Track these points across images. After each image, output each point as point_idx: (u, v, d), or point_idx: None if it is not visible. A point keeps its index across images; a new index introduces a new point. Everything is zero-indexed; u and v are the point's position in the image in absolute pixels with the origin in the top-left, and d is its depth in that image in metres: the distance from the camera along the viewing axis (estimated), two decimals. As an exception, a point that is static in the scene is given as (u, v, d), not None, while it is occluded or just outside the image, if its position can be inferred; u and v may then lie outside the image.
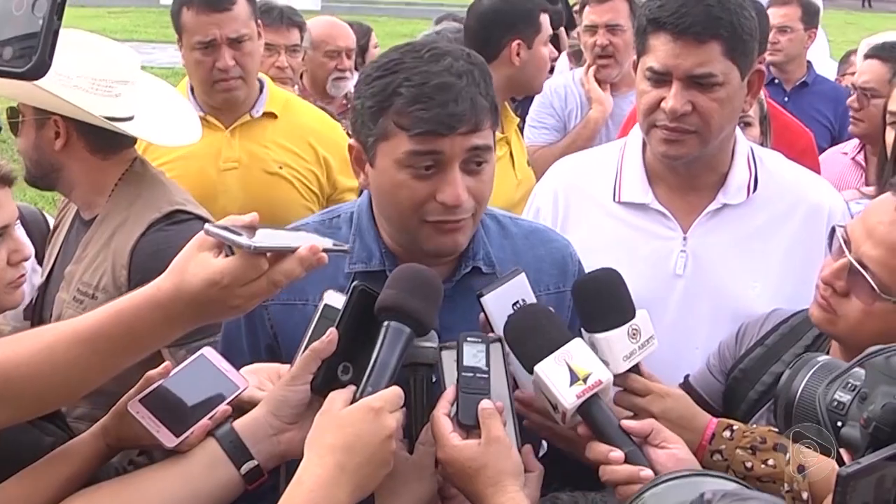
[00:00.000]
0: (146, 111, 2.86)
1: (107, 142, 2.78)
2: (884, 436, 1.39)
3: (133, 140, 2.86)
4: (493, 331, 1.90)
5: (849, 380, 1.49)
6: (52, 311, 2.83)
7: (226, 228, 1.57)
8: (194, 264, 1.55)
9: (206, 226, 1.59)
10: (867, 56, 4.58)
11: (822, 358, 1.58)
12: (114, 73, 2.73)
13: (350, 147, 2.04)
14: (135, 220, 2.75)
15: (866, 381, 1.45)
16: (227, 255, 1.57)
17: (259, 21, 3.71)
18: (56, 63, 2.57)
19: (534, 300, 1.93)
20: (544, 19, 3.85)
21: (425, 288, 1.78)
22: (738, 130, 2.58)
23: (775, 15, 5.80)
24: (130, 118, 2.78)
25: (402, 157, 1.89)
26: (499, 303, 1.91)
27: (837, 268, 2.02)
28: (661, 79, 2.37)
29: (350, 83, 5.32)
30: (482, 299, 1.92)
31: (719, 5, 2.32)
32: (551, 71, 5.16)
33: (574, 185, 2.67)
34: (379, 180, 1.97)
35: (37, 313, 2.95)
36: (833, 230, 2.07)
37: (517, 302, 1.92)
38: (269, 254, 1.56)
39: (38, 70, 1.20)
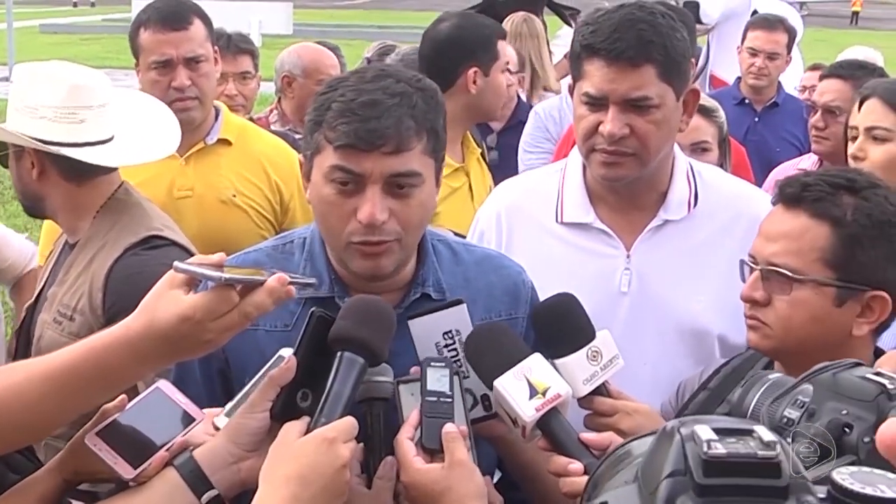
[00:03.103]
0: (125, 130, 2.90)
1: (78, 169, 2.82)
2: (829, 451, 1.41)
3: (109, 166, 2.90)
4: (415, 356, 1.93)
5: (797, 396, 1.50)
6: (35, 331, 2.88)
7: (195, 265, 1.61)
8: (165, 301, 1.58)
9: (176, 263, 1.61)
10: (826, 76, 4.56)
11: (773, 375, 1.61)
12: (78, 100, 2.77)
13: (300, 162, 2.08)
14: (113, 244, 2.80)
15: (814, 398, 1.47)
16: (196, 293, 1.60)
17: (216, 47, 3.72)
18: (27, 96, 2.70)
19: (469, 332, 1.95)
20: (502, 46, 3.82)
21: (378, 318, 1.81)
22: (675, 147, 2.63)
23: (765, 41, 5.90)
24: (105, 140, 2.82)
25: (328, 171, 1.92)
26: (426, 329, 1.94)
27: (751, 281, 2.12)
28: (597, 103, 2.41)
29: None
30: (408, 322, 1.95)
31: (651, 29, 2.36)
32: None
33: (516, 207, 2.70)
34: (312, 194, 2.01)
35: (23, 334, 3.00)
36: (741, 263, 2.18)
37: (449, 332, 1.94)
38: (239, 287, 1.59)
39: None
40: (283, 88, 5.08)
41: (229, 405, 1.85)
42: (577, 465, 1.80)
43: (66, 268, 2.89)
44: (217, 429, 1.81)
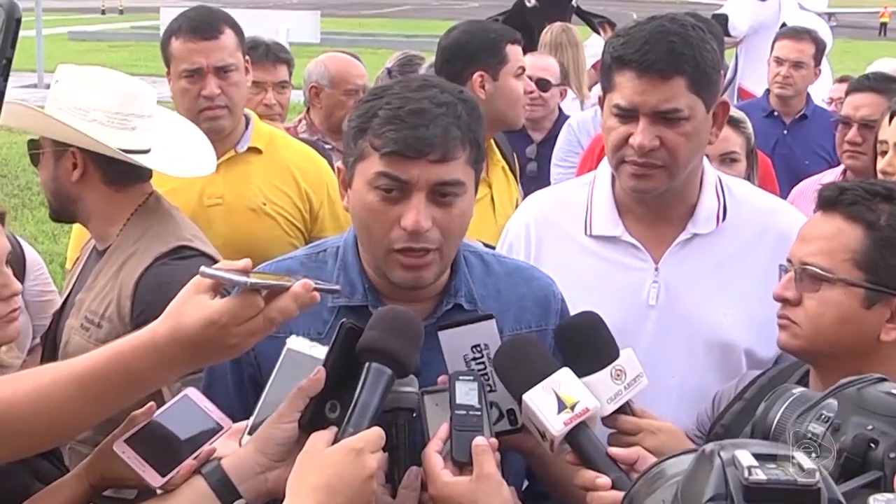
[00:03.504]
0: (163, 144, 2.93)
1: (122, 174, 2.86)
2: (854, 466, 1.41)
3: (148, 175, 2.94)
4: (445, 367, 1.94)
5: (822, 411, 1.51)
6: (62, 336, 2.90)
7: (221, 270, 1.63)
8: (191, 306, 1.59)
9: (202, 268, 1.63)
10: (857, 89, 4.46)
11: (797, 390, 1.61)
12: (130, 107, 2.81)
13: (338, 170, 2.10)
14: (142, 252, 2.82)
15: (839, 413, 1.47)
16: (222, 298, 1.61)
17: (247, 57, 3.75)
18: (75, 98, 2.72)
19: (497, 346, 1.96)
20: (512, 50, 3.78)
21: (406, 329, 1.82)
22: (705, 161, 2.62)
23: (791, 49, 5.89)
24: (146, 151, 2.86)
25: (372, 178, 1.94)
26: (455, 341, 1.96)
27: (784, 281, 2.16)
28: (627, 115, 2.41)
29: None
30: (438, 333, 1.96)
31: (682, 41, 2.36)
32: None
33: (545, 220, 2.70)
34: (354, 201, 2.02)
35: (49, 339, 3.02)
36: (780, 267, 2.20)
37: (477, 345, 1.95)
38: (264, 292, 1.60)
39: None
40: (311, 99, 5.08)
41: (251, 420, 1.85)
42: (604, 480, 1.80)
43: (94, 274, 2.91)
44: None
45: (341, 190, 2.10)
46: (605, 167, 2.64)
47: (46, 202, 3.04)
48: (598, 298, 2.17)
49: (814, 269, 2.09)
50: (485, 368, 1.95)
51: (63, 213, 3.01)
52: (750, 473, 0.87)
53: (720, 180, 2.65)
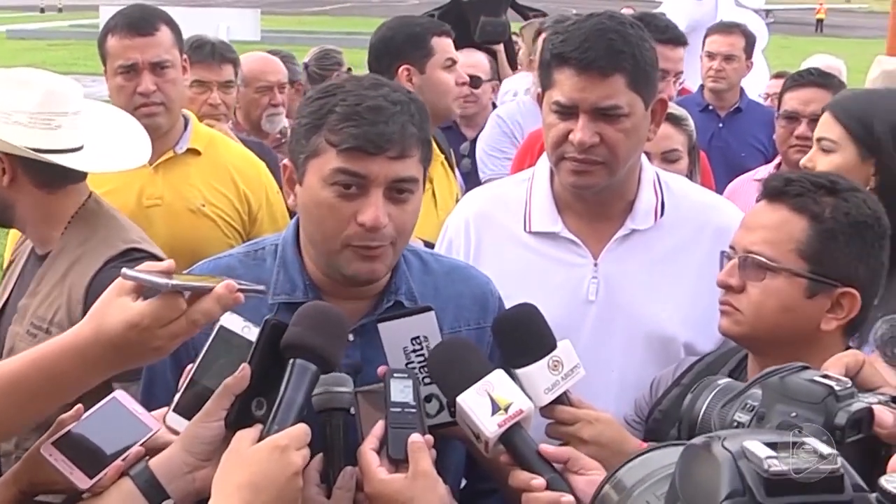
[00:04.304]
0: (95, 140, 2.86)
1: (51, 176, 2.79)
2: None
3: (82, 175, 2.88)
4: (383, 356, 1.94)
5: (747, 400, 1.53)
6: (5, 343, 2.83)
7: (143, 272, 1.60)
8: (113, 308, 1.57)
9: (123, 270, 1.61)
10: (803, 84, 4.40)
11: (723, 381, 1.63)
12: (52, 106, 2.74)
13: (284, 167, 2.08)
14: (90, 256, 2.76)
15: (763, 401, 1.49)
16: (145, 299, 1.59)
17: (185, 56, 3.72)
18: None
19: (438, 339, 1.97)
20: (439, 42, 3.78)
21: (329, 325, 1.80)
22: (643, 157, 2.64)
23: (721, 43, 5.98)
24: (77, 149, 2.79)
25: (328, 175, 1.94)
26: (395, 333, 1.96)
27: (728, 268, 2.18)
28: (567, 112, 2.43)
29: (283, 118, 5.34)
30: (378, 325, 1.96)
31: (621, 39, 2.38)
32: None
33: (485, 216, 2.71)
34: (305, 198, 2.01)
35: None
36: (721, 254, 2.22)
37: (417, 337, 1.96)
38: (187, 294, 1.59)
39: None
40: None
41: (176, 397, 1.83)
42: (539, 481, 1.80)
43: (37, 279, 2.84)
44: (169, 427, 1.80)
45: (286, 187, 2.09)
46: (543, 163, 2.65)
47: None
48: (538, 294, 2.17)
49: (759, 257, 2.12)
50: (424, 360, 1.96)
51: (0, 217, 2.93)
52: (768, 465, 0.84)
53: (658, 176, 2.67)
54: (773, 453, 0.85)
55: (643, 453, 1.06)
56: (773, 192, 2.17)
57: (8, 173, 2.78)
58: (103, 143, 2.91)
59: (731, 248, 2.20)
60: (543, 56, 2.50)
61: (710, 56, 6.00)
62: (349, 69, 6.88)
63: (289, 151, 2.08)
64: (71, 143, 2.77)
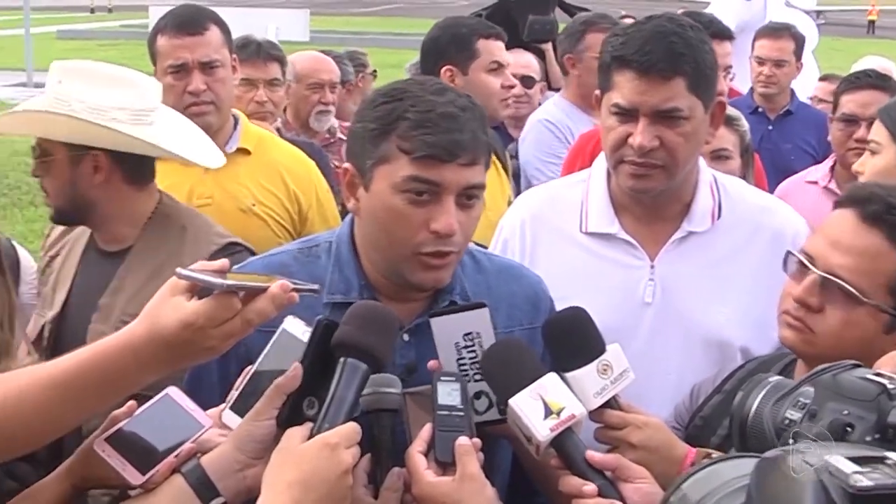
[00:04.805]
0: (176, 137, 2.90)
1: (142, 172, 2.84)
2: None
3: (155, 173, 2.92)
4: (436, 355, 1.93)
5: (799, 398, 1.51)
6: (86, 343, 2.80)
7: (198, 271, 1.60)
8: (168, 308, 1.57)
9: (178, 269, 1.60)
10: (860, 87, 4.35)
11: (774, 378, 1.61)
12: (145, 102, 2.77)
13: (344, 171, 2.06)
14: (192, 250, 2.77)
15: (815, 399, 1.47)
16: (199, 299, 1.58)
17: (234, 55, 3.73)
18: (89, 97, 2.63)
19: (491, 336, 1.95)
20: (486, 44, 3.76)
21: (379, 324, 1.80)
22: (700, 159, 2.61)
23: (771, 48, 5.94)
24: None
25: (400, 182, 1.92)
26: (447, 328, 1.95)
27: (808, 284, 2.07)
28: (627, 115, 2.41)
29: (332, 118, 5.34)
30: (430, 319, 1.95)
31: (682, 42, 2.36)
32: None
33: (540, 217, 2.69)
34: (372, 204, 1.99)
35: (49, 346, 2.89)
36: (788, 253, 2.13)
37: (469, 333, 1.94)
38: (241, 294, 1.58)
39: None
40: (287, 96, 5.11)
41: (233, 394, 1.83)
42: (591, 487, 1.78)
43: (118, 277, 2.84)
44: (224, 425, 1.81)
45: (346, 191, 2.07)
46: (600, 164, 2.63)
47: (52, 206, 2.89)
48: (594, 295, 2.16)
49: (848, 287, 2.03)
50: (476, 357, 1.94)
51: (73, 216, 2.91)
52: (855, 480, 0.81)
53: (715, 178, 2.64)
54: (859, 468, 0.83)
55: (708, 465, 1.02)
56: (871, 214, 2.06)
57: (103, 171, 2.80)
58: (182, 139, 2.94)
59: (807, 254, 2.11)
60: (603, 58, 2.48)
61: (760, 61, 5.96)
62: (374, 71, 6.92)
63: (349, 154, 2.06)
64: (166, 137, 2.80)
